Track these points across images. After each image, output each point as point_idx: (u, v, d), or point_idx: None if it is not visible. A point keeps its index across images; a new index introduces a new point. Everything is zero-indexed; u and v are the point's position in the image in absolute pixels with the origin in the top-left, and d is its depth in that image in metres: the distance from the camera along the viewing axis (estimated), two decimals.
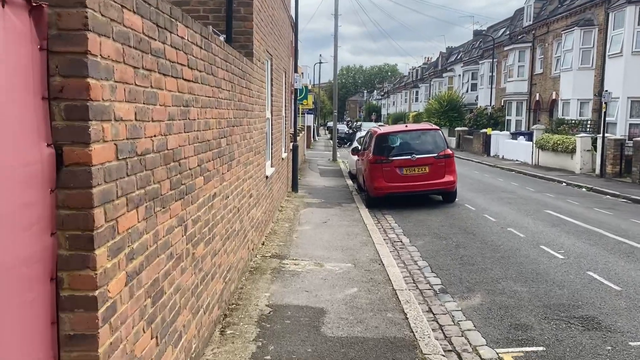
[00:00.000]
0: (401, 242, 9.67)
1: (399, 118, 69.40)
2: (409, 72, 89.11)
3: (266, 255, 7.94)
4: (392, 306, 5.92)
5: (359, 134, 20.70)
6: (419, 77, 75.29)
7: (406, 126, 13.86)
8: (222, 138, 5.23)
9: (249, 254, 7.35)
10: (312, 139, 44.29)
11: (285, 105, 13.65)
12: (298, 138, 21.27)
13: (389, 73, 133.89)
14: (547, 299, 6.45)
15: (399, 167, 12.99)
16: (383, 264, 7.63)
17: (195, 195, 4.21)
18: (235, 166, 6.08)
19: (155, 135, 3.20)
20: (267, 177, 9.30)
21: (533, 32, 36.04)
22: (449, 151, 13.33)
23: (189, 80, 3.97)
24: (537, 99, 35.10)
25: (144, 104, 3.01)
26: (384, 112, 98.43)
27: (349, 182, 18.62)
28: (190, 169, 4.04)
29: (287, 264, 7.54)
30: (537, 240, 9.47)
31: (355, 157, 17.82)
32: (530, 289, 6.81)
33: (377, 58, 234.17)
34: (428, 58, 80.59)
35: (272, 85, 10.25)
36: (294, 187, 14.98)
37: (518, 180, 19.94)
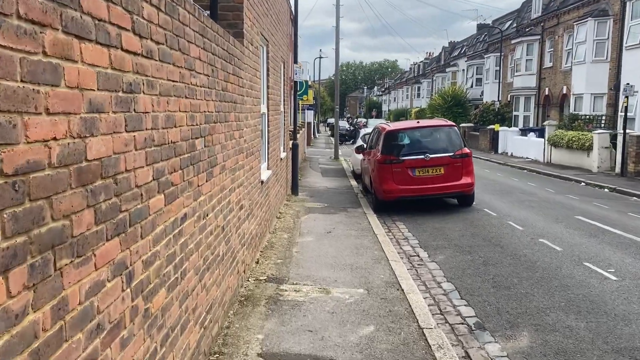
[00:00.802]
0: (418, 256, 8.34)
1: (400, 114, 68.03)
2: (410, 68, 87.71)
3: (260, 278, 6.60)
4: (421, 354, 4.59)
5: (363, 131, 19.33)
6: (420, 73, 73.90)
7: (418, 122, 12.53)
8: (196, 138, 3.89)
9: (239, 279, 6.02)
10: (312, 136, 42.93)
11: (284, 100, 12.30)
12: (298, 135, 19.94)
13: (389, 69, 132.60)
14: (614, 339, 5.12)
15: (410, 167, 11.66)
16: (402, 289, 6.29)
17: (148, 224, 2.87)
18: (219, 174, 4.75)
19: (53, 139, 1.86)
20: (262, 182, 7.97)
21: (542, 24, 34.65)
22: (467, 150, 11.99)
23: (134, 54, 2.62)
24: (547, 93, 33.75)
25: (23, 82, 1.67)
26: (384, 108, 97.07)
27: (353, 182, 17.29)
28: (137, 186, 2.70)
29: (286, 290, 6.20)
30: (577, 255, 8.14)
31: (360, 156, 16.49)
32: (588, 324, 5.47)
33: (377, 54, 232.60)
34: (430, 53, 79.25)
35: (268, 75, 8.90)
36: (294, 189, 13.64)
37: (533, 180, 18.60)
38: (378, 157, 12.00)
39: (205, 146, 4.17)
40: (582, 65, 28.12)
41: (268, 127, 9.01)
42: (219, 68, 4.68)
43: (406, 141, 12.12)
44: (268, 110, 8.98)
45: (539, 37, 34.77)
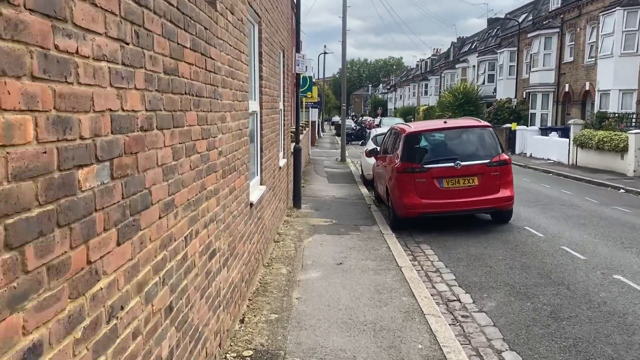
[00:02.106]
0: (460, 301, 6.29)
1: (407, 112, 65.95)
2: (416, 65, 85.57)
3: (245, 354, 4.53)
4: None
5: (374, 132, 17.23)
6: (428, 70, 71.73)
7: (445, 122, 10.44)
8: (82, 166, 1.84)
9: None
10: (317, 135, 40.86)
11: (283, 96, 10.25)
12: (301, 137, 17.87)
13: (394, 66, 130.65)
14: None
15: (437, 178, 9.59)
16: None
17: None
18: (156, 221, 2.69)
19: None
20: (252, 204, 5.93)
21: (561, 16, 32.47)
22: (505, 156, 9.90)
23: None
24: (567, 90, 31.60)
25: None
26: (390, 106, 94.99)
27: (364, 190, 15.22)
28: None
29: None
30: None
31: (372, 160, 14.44)
32: None
33: (381, 52, 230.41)
34: (437, 50, 77.05)
35: (261, 63, 6.85)
36: (297, 201, 11.59)
37: (566, 186, 16.48)
38: (397, 165, 9.92)
39: (112, 178, 2.12)
40: (608, 59, 25.97)
41: (261, 129, 6.96)
42: (155, 33, 2.63)
43: (431, 145, 10.05)
44: (261, 108, 6.93)
45: (558, 30, 32.60)
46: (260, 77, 6.83)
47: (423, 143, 10.06)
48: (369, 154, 13.69)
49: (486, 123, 10.63)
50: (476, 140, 9.99)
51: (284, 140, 10.40)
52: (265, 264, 7.21)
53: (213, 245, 4.01)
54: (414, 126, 10.36)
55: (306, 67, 11.37)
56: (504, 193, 9.69)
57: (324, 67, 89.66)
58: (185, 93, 3.22)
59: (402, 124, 11.71)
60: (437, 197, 9.59)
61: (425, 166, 9.62)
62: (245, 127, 5.50)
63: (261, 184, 7.01)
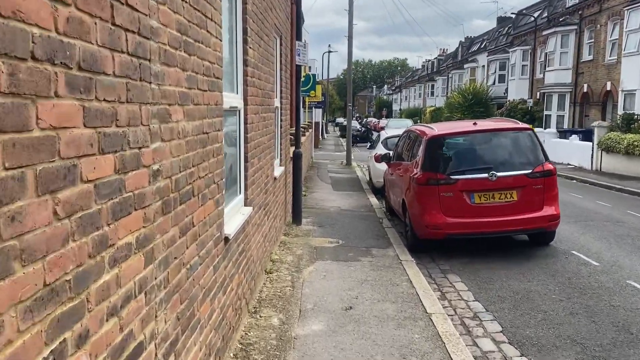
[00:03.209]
0: None
1: (413, 114, 64.14)
2: (422, 65, 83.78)
3: None
4: None
5: (384, 134, 15.47)
6: (435, 70, 69.91)
7: (475, 124, 8.67)
8: None
9: None
10: (320, 136, 39.14)
11: (281, 91, 8.52)
12: (303, 139, 16.14)
13: (399, 67, 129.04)
14: None
15: (467, 191, 7.84)
16: None
17: None
18: None
19: None
20: (227, 238, 4.19)
21: (580, 12, 30.65)
22: (550, 165, 8.14)
23: None
24: (585, 90, 29.78)
25: None
26: (395, 107, 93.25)
27: (373, 199, 13.47)
28: None
29: None
30: None
31: (382, 166, 12.73)
32: None
33: (385, 53, 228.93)
34: (444, 50, 75.34)
35: (246, 43, 5.11)
36: (296, 216, 9.83)
37: (597, 195, 14.67)
38: (417, 175, 8.17)
39: None
40: (634, 56, 24.13)
41: (246, 132, 5.22)
42: None
43: (459, 152, 8.30)
44: (246, 104, 5.19)
45: (575, 27, 30.78)
46: (245, 63, 5.09)
47: (449, 149, 8.31)
48: (381, 159, 11.96)
49: (525, 125, 8.86)
50: (514, 145, 8.24)
51: (281, 144, 8.66)
52: (252, 309, 5.47)
53: (134, 338, 2.27)
54: (437, 128, 8.58)
55: (308, 61, 9.60)
56: (548, 211, 7.93)
57: (328, 66, 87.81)
58: (45, 60, 1.50)
59: (422, 125, 9.93)
60: (467, 216, 7.84)
61: (453, 177, 7.87)
62: (216, 129, 3.77)
63: (246, 205, 5.27)
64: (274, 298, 5.86)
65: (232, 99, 4.62)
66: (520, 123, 8.84)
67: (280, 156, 8.72)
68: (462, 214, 7.85)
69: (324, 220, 10.42)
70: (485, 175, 7.80)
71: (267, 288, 6.18)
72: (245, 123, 5.16)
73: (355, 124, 51.07)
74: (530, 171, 7.91)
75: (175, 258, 2.85)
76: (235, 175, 5.05)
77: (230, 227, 4.30)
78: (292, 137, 10.15)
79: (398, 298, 5.99)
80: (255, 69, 5.60)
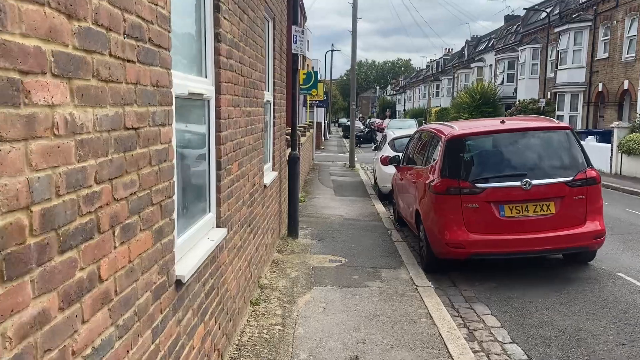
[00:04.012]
0: None
1: (418, 114, 62.84)
2: (427, 65, 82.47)
3: None
4: None
5: (391, 134, 14.15)
6: (440, 70, 68.56)
7: (502, 122, 7.33)
8: None
9: None
10: (323, 137, 37.85)
11: (273, 82, 7.24)
12: (304, 139, 14.88)
13: (403, 68, 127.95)
14: None
15: (496, 203, 6.54)
16: None
17: None
18: None
19: None
20: (180, 282, 2.90)
21: (594, 7, 29.29)
22: (593, 172, 6.83)
23: None
24: (600, 89, 28.43)
25: None
26: (399, 108, 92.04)
27: (379, 206, 12.18)
28: None
29: None
30: None
31: (390, 169, 11.48)
32: None
33: (388, 54, 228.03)
34: (449, 50, 74.02)
35: (219, 11, 3.81)
36: (292, 228, 8.53)
37: (625, 202, 13.33)
38: (435, 183, 6.87)
39: None
40: None
41: (219, 129, 3.92)
42: None
43: (485, 155, 6.98)
44: (220, 93, 3.90)
45: (590, 23, 29.45)
46: (218, 37, 3.80)
47: (473, 151, 7.00)
48: (388, 161, 10.67)
49: (564, 124, 7.56)
50: (551, 147, 6.93)
51: (273, 145, 7.38)
52: None
53: None
54: (459, 127, 7.26)
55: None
56: (591, 226, 6.62)
57: (332, 65, 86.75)
58: None
59: (439, 123, 8.58)
60: (496, 232, 6.54)
61: (479, 185, 6.56)
62: (157, 123, 2.49)
63: (219, 226, 3.98)
64: (258, 343, 4.57)
65: (194, 82, 3.34)
66: (556, 121, 7.49)
67: (273, 160, 7.43)
68: (489, 229, 6.55)
69: (324, 232, 9.13)
70: (518, 183, 6.50)
71: (250, 328, 4.88)
72: (218, 117, 3.87)
73: (358, 124, 49.74)
74: (570, 178, 6.60)
75: (48, 350, 1.57)
76: (201, 188, 3.76)
77: (187, 264, 3.02)
78: (287, 138, 8.86)
79: (416, 342, 4.70)
80: (235, 49, 4.32)
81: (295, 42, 7.95)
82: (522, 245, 6.54)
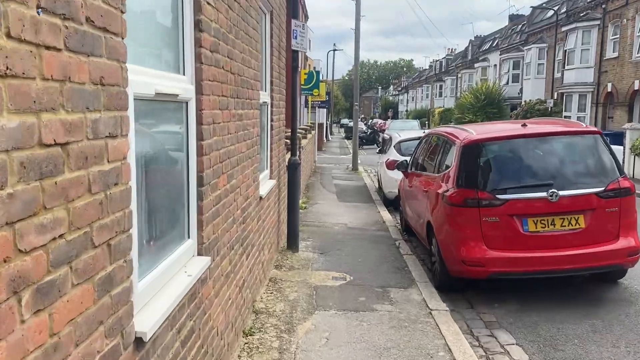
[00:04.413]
0: None
1: (421, 115, 62.19)
2: (430, 65, 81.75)
3: None
4: None
5: (397, 137, 13.47)
6: (443, 70, 67.81)
7: (524, 125, 6.64)
8: None
9: None
10: (325, 138, 37.17)
11: (271, 82, 6.57)
12: (305, 142, 14.20)
13: (405, 68, 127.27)
14: None
15: (519, 216, 5.85)
16: None
17: None
18: None
19: None
20: (140, 339, 2.23)
21: (603, 6, 28.58)
22: (627, 182, 6.15)
23: None
24: (609, 90, 27.72)
25: None
26: (401, 108, 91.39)
27: (385, 214, 11.50)
28: None
29: None
30: None
31: (396, 174, 10.83)
32: None
33: (391, 55, 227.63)
34: (452, 50, 73.30)
35: None
36: (292, 240, 7.85)
37: None
38: (450, 193, 6.19)
39: None
40: None
41: (200, 137, 3.23)
42: None
43: (507, 163, 6.28)
44: (201, 93, 3.21)
45: (598, 22, 28.75)
46: (199, 26, 3.13)
47: (492, 158, 6.30)
48: (395, 167, 10.00)
49: (593, 127, 6.83)
50: (579, 154, 6.25)
51: (271, 151, 6.70)
52: None
53: None
54: (477, 131, 6.56)
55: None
56: (625, 242, 5.93)
57: (333, 65, 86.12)
58: None
59: (453, 127, 7.86)
60: (518, 248, 5.85)
61: (499, 196, 5.88)
62: (108, 133, 1.82)
63: (201, 254, 3.30)
64: None
65: (165, 80, 2.67)
66: (583, 124, 6.79)
67: (271, 167, 6.76)
68: (511, 246, 5.87)
69: (326, 244, 8.45)
70: (543, 194, 5.81)
71: None
72: (200, 123, 3.19)
73: (361, 125, 48.91)
74: (602, 189, 5.91)
75: None
76: (178, 209, 3.09)
77: (153, 314, 2.35)
78: (287, 142, 8.18)
79: None
80: (222, 41, 3.64)
81: (295, 38, 7.27)
82: (548, 263, 5.85)
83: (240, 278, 4.57)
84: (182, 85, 2.95)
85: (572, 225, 5.85)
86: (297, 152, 8.10)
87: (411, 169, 9.01)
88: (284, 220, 7.96)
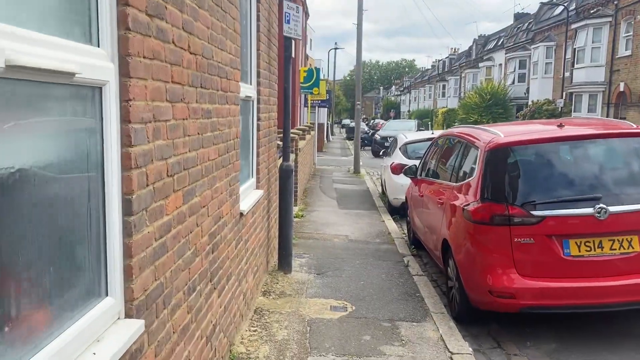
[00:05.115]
0: None
1: (423, 115, 61.13)
2: (433, 65, 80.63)
3: None
4: None
5: (403, 138, 12.35)
6: (446, 70, 66.68)
7: (561, 126, 5.53)
8: None
9: None
10: (325, 139, 36.09)
11: (257, 73, 5.49)
12: (302, 143, 13.12)
13: (407, 68, 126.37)
14: None
15: (558, 236, 4.76)
16: None
17: None
18: None
19: None
20: None
21: (615, 2, 27.47)
22: None
23: None
24: (622, 89, 26.64)
25: None
26: (403, 108, 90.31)
27: (390, 223, 10.41)
28: None
29: None
30: None
31: (402, 179, 9.80)
32: None
33: (392, 55, 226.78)
34: (455, 49, 72.19)
35: None
36: (284, 259, 6.74)
37: None
38: (473, 207, 5.10)
39: None
40: None
41: (127, 143, 2.16)
42: None
43: (542, 171, 5.18)
44: (129, 75, 2.13)
45: (610, 18, 27.65)
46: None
47: (524, 166, 5.21)
48: (402, 172, 8.92)
49: None
50: (631, 161, 5.15)
51: (257, 155, 5.61)
52: None
53: None
54: (504, 133, 5.48)
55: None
56: None
57: (335, 64, 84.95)
58: None
59: (472, 127, 6.71)
60: (558, 276, 4.77)
61: (535, 213, 4.79)
62: None
63: (129, 316, 2.21)
64: None
65: (57, 51, 1.58)
66: (634, 125, 5.69)
67: (258, 174, 5.67)
68: (549, 273, 4.78)
69: (324, 262, 7.36)
70: (590, 210, 4.72)
71: None
72: (126, 120, 2.11)
73: (362, 126, 47.76)
74: None
75: None
76: (78, 257, 2.00)
77: None
78: (279, 145, 7.09)
79: None
80: (170, 3, 2.56)
81: (288, 22, 6.18)
82: (594, 295, 4.76)
83: (209, 323, 3.49)
84: (90, 61, 1.87)
85: (624, 248, 4.76)
86: (290, 157, 7.01)
87: (421, 175, 7.94)
88: (275, 235, 6.88)
